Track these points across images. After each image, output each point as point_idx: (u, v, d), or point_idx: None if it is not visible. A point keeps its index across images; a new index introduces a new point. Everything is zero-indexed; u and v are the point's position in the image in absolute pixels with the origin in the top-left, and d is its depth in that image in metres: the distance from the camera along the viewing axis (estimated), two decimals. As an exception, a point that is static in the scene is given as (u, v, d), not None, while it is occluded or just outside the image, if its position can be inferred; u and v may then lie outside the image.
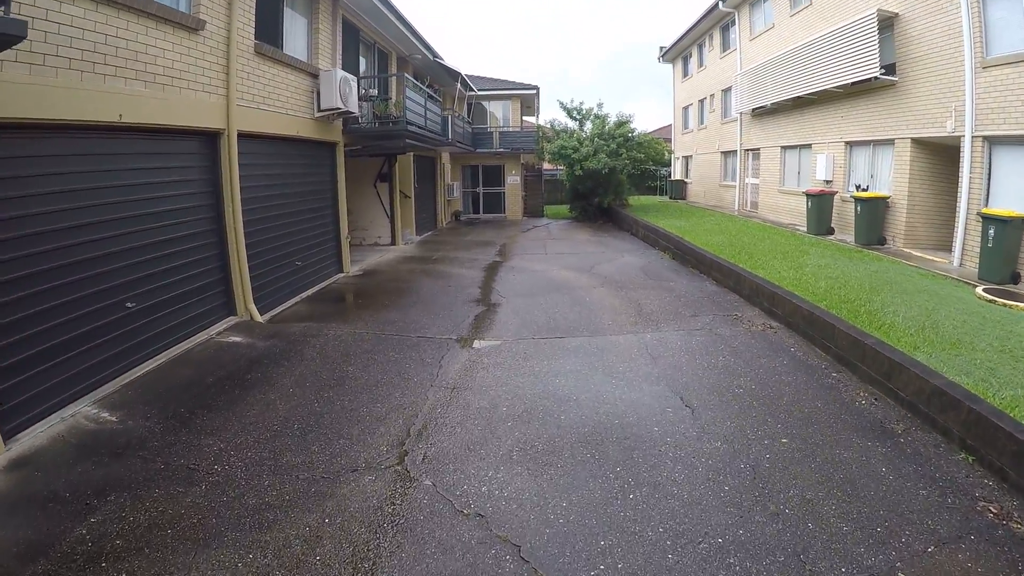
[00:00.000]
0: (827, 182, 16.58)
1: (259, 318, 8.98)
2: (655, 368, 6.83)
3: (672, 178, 34.48)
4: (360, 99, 13.12)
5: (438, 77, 22.06)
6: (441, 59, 19.27)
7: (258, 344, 7.81)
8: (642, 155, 24.08)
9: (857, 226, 14.08)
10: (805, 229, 16.38)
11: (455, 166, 27.20)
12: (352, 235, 17.49)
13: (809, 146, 18.00)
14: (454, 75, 21.20)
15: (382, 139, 14.02)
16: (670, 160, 35.66)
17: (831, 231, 15.72)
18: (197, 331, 7.95)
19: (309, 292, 11.21)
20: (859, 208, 13.91)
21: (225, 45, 8.35)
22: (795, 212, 18.19)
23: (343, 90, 11.34)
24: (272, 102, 9.88)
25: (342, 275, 13.07)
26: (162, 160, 7.31)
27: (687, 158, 32.36)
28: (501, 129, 26.90)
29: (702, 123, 29.32)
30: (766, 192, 21.37)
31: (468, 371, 6.85)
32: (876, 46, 13.31)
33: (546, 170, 34.77)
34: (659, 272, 12.88)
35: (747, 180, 23.57)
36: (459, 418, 5.58)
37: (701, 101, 29.26)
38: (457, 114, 21.36)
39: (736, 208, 23.90)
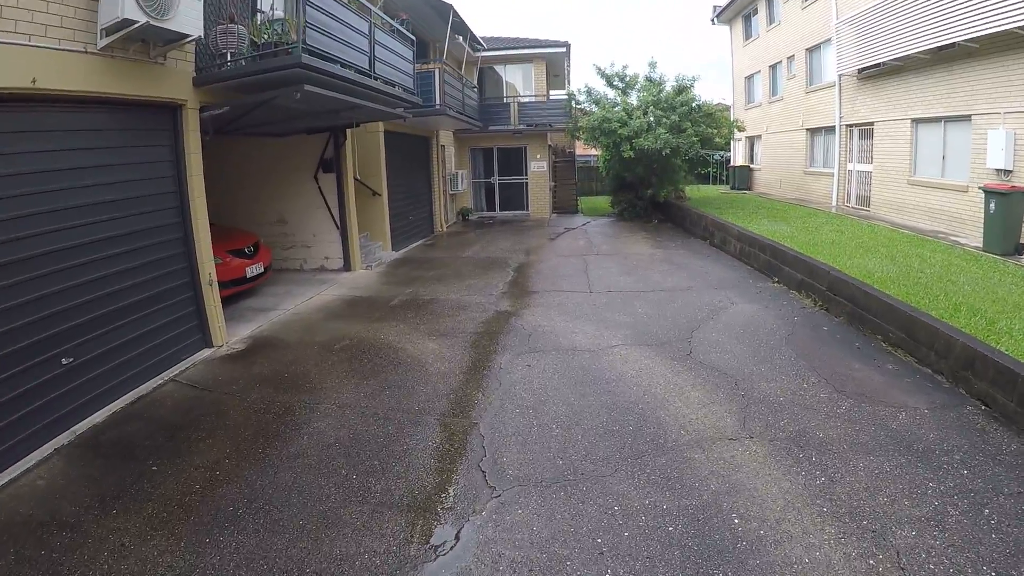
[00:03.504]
0: (1005, 172, 10.99)
1: None
2: None
3: (733, 163, 27.84)
4: (230, 20, 6.94)
5: (427, 26, 15.66)
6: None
7: None
8: (713, 131, 17.50)
9: None
10: (965, 240, 11.41)
11: (461, 150, 20.86)
12: (287, 256, 11.53)
13: (966, 118, 12.14)
14: (459, 26, 14.81)
15: (260, 88, 7.32)
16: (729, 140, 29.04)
17: (1021, 249, 10.02)
18: None
19: (88, 424, 5.03)
20: None
21: None
22: (940, 213, 12.90)
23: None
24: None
25: (203, 355, 6.91)
26: None
27: (753, 139, 25.85)
28: (521, 99, 20.41)
29: (775, 94, 22.99)
30: (885, 183, 15.29)
31: None
32: None
33: (579, 155, 28.32)
34: (835, 357, 6.45)
35: (851, 166, 17.27)
36: None
37: (773, 67, 22.96)
38: (456, 74, 14.94)
39: (834, 203, 17.64)
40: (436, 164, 17.10)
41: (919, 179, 13.79)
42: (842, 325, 7.36)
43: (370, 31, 8.45)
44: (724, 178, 33.55)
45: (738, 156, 27.83)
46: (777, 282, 9.58)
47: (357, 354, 6.76)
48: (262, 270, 10.02)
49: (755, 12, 24.50)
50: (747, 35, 25.86)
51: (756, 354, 6.34)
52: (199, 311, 7.07)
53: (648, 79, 18.21)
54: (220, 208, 12.17)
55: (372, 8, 8.67)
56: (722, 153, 30.21)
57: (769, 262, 10.15)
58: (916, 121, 13.87)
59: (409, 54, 10.14)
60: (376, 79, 8.93)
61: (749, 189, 25.52)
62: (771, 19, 22.99)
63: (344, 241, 11.57)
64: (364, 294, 9.79)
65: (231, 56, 7.04)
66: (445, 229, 17.75)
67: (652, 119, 16.46)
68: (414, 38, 10.46)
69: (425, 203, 16.45)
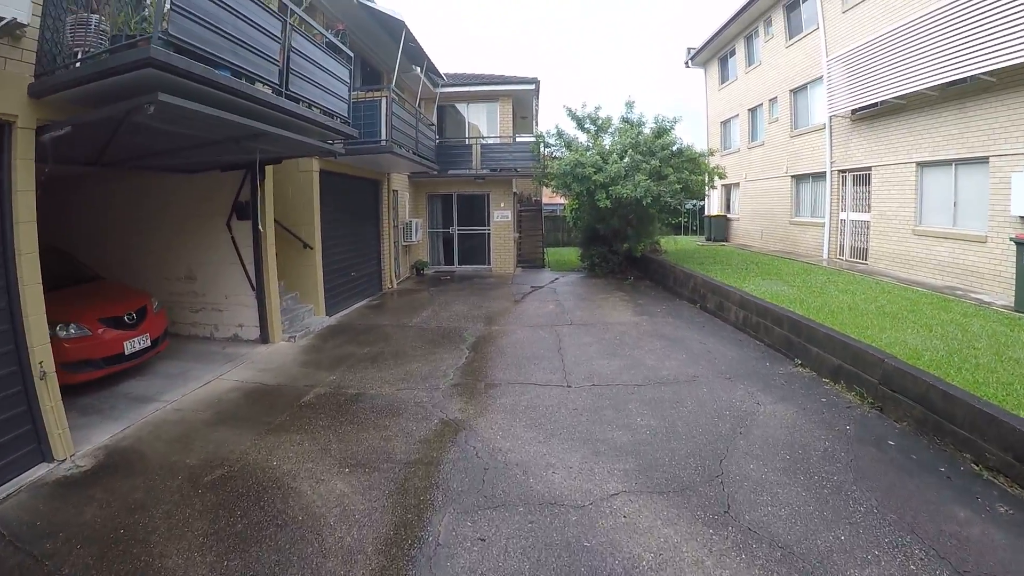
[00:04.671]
0: (1029, 220, 9.64)
1: None
2: None
3: (708, 213, 26.38)
4: (90, 9, 4.87)
5: (376, 48, 13.68)
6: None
7: None
8: (697, 177, 15.78)
9: None
10: (989, 298, 10.17)
11: (417, 196, 18.76)
12: (197, 320, 9.41)
13: (983, 160, 10.92)
14: (413, 52, 12.83)
15: (110, 99, 5.02)
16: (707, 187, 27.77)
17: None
18: None
19: None
20: None
21: None
22: (953, 267, 11.65)
23: None
24: None
25: (37, 474, 4.69)
26: None
27: (730, 187, 24.60)
28: (485, 141, 18.48)
29: (754, 139, 21.82)
30: (886, 234, 13.91)
31: None
32: None
33: (545, 204, 26.52)
34: (929, 500, 4.37)
35: (843, 215, 15.96)
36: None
37: (752, 110, 21.86)
38: (409, 108, 12.88)
39: (825, 255, 16.25)
40: (387, 211, 14.95)
41: (926, 229, 12.43)
42: (910, 436, 5.36)
43: (284, 34, 6.34)
44: (696, 228, 32.16)
45: (713, 205, 26.45)
46: (802, 366, 7.59)
47: (231, 498, 4.43)
48: (148, 344, 7.70)
49: (732, 53, 23.46)
50: (723, 78, 24.80)
51: (821, 502, 4.22)
52: (31, 412, 4.82)
53: (625, 120, 16.52)
54: (110, 259, 9.80)
55: (292, 7, 6.57)
56: (695, 202, 28.75)
57: (787, 339, 8.17)
58: (922, 164, 12.61)
59: (344, 73, 8.05)
60: (299, 101, 6.81)
61: (726, 240, 24.06)
62: (750, 60, 21.89)
63: (260, 306, 9.26)
64: (274, 381, 7.44)
65: (83, 56, 4.88)
66: (396, 286, 15.48)
67: (629, 163, 14.64)
68: (352, 54, 8.39)
69: (372, 256, 14.21)
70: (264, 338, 9.30)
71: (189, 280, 9.78)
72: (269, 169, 9.02)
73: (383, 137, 10.58)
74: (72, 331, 6.81)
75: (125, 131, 5.66)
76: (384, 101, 10.60)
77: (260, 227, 8.86)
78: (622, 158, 14.95)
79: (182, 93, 4.83)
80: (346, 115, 7.95)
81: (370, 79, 14.03)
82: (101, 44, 4.94)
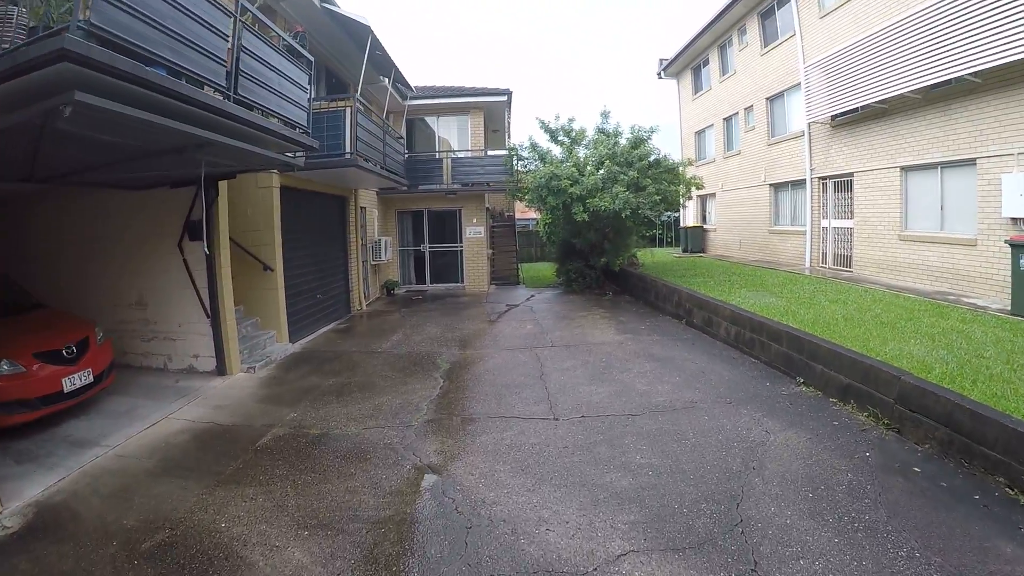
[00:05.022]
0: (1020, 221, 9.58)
1: None
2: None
3: (684, 224, 26.09)
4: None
5: (340, 55, 13.02)
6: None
7: None
8: (675, 188, 15.35)
9: None
10: (983, 302, 9.89)
11: (387, 212, 18.06)
12: (148, 350, 8.86)
13: (970, 162, 10.72)
14: (380, 60, 12.16)
15: (23, 101, 4.15)
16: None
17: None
18: None
19: None
20: None
21: None
22: (942, 272, 11.41)
23: None
24: None
25: None
26: None
27: (705, 197, 24.41)
28: (456, 155, 17.88)
29: (730, 148, 21.63)
30: (871, 240, 13.68)
31: None
32: None
33: (518, 219, 26.00)
34: (970, 535, 3.80)
35: (825, 223, 15.68)
36: None
37: (728, 119, 21.69)
38: (377, 120, 12.18)
39: (807, 264, 15.98)
40: (355, 229, 14.22)
41: (913, 234, 12.20)
42: (936, 461, 4.87)
43: (234, 31, 5.66)
44: (671, 240, 31.90)
45: (689, 216, 26.19)
46: (805, 384, 7.06)
47: (171, 570, 3.70)
48: (91, 379, 6.91)
49: (706, 63, 23.30)
50: (696, 88, 24.64)
51: (856, 549, 3.65)
52: None
53: (601, 131, 16.04)
54: (63, 283, 9.03)
55: (245, 4, 5.91)
56: (670, 213, 28.48)
57: (787, 356, 7.64)
58: (906, 169, 12.41)
59: (304, 79, 7.37)
60: (252, 108, 6.12)
61: (704, 252, 23.76)
62: (724, 69, 21.71)
63: (216, 334, 8.47)
64: (228, 419, 6.67)
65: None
66: (365, 308, 14.72)
67: (606, 175, 14.14)
68: (312, 59, 7.71)
69: (339, 277, 13.46)
70: (220, 370, 8.50)
71: (140, 307, 8.97)
72: (224, 185, 8.29)
73: (348, 150, 9.89)
74: (4, 368, 6.05)
75: (50, 140, 4.94)
76: (349, 111, 9.92)
77: (213, 248, 8.10)
78: (598, 169, 14.45)
79: (108, 94, 4.14)
80: (305, 125, 7.25)
81: (335, 90, 13.35)
82: (20, 40, 4.25)
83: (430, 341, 10.55)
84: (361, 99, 10.29)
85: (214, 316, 8.38)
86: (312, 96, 7.86)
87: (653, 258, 19.82)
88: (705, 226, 24.46)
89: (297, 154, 7.87)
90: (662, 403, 6.66)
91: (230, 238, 9.63)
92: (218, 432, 6.28)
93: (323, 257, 12.42)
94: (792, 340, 7.55)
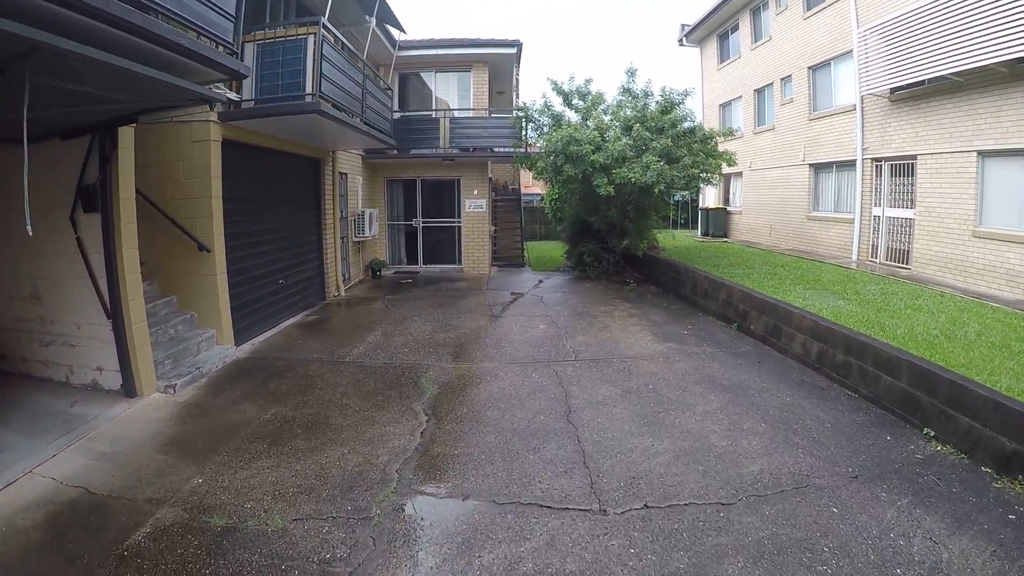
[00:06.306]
0: None
1: None
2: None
3: (704, 205, 23.73)
4: None
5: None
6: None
7: None
8: (713, 160, 12.99)
9: None
10: None
11: (373, 180, 15.64)
12: (48, 358, 6.90)
13: None
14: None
15: None
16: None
17: None
18: None
19: None
20: None
21: None
22: None
23: None
24: None
25: None
26: None
27: (729, 177, 21.91)
28: (455, 115, 15.41)
29: (762, 123, 19.28)
30: (936, 234, 11.57)
31: None
32: None
33: (522, 193, 23.62)
34: None
35: (878, 211, 13.40)
36: None
37: (759, 91, 19.32)
38: (350, 55, 9.47)
39: (854, 257, 13.81)
40: (332, 199, 11.82)
41: (990, 230, 10.22)
42: None
43: None
44: (685, 222, 29.50)
45: (709, 197, 23.83)
46: (939, 440, 4.88)
47: None
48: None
49: (735, 29, 20.75)
50: (723, 56, 22.12)
51: None
52: None
53: (627, 91, 13.58)
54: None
55: None
56: (683, 193, 26.09)
57: (906, 394, 5.41)
58: (984, 154, 10.35)
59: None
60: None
61: (727, 236, 21.50)
62: (757, 35, 19.21)
63: (119, 341, 6.17)
64: (108, 483, 4.38)
65: None
66: (343, 293, 12.37)
67: (632, 141, 11.77)
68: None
69: (311, 257, 11.09)
70: (128, 389, 6.23)
71: (35, 301, 6.68)
72: (127, 132, 5.92)
73: (308, 90, 7.44)
74: None
75: None
76: (312, 40, 7.40)
77: (111, 221, 5.77)
78: (626, 134, 12.06)
79: None
80: (230, 40, 4.85)
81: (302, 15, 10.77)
82: None
83: (415, 345, 8.25)
84: (329, 24, 7.75)
85: (115, 316, 6.07)
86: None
87: (674, 241, 17.56)
88: (729, 208, 22.13)
89: (227, 90, 5.47)
90: (760, 477, 4.40)
91: (160, 209, 7.32)
92: (84, 509, 4.02)
93: (287, 233, 10.03)
94: (918, 375, 5.30)
